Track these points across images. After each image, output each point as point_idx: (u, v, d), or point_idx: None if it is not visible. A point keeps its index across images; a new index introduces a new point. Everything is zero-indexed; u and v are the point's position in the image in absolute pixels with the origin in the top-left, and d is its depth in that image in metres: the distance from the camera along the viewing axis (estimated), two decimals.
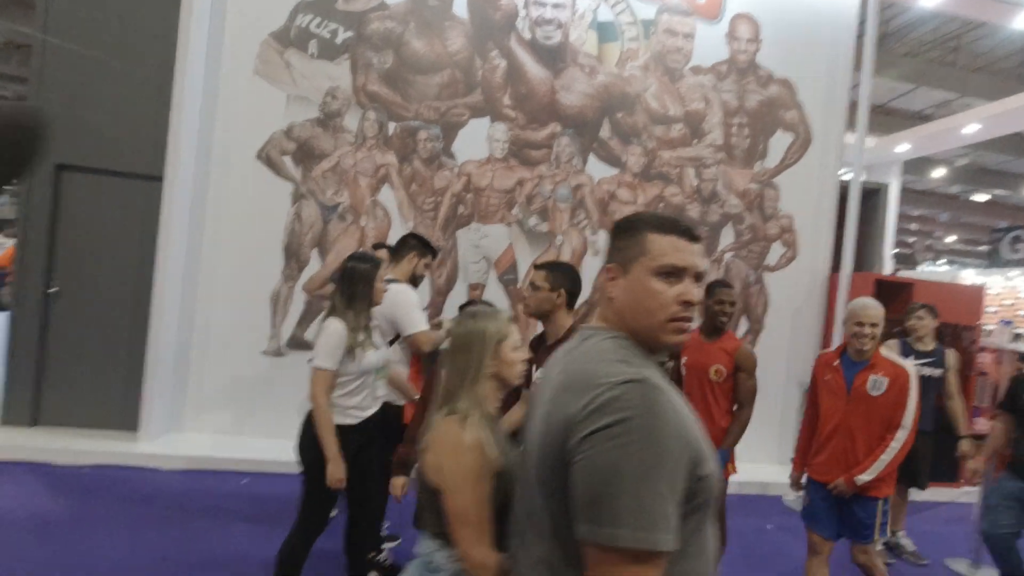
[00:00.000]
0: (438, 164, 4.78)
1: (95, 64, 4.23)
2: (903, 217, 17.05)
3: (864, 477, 2.46)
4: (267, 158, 4.52)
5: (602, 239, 4.98)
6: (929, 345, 3.63)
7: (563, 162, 4.93)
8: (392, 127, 4.70)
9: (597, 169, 4.98)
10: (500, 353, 1.41)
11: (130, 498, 3.43)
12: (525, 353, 1.45)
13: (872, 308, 2.54)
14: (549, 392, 0.97)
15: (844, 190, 5.35)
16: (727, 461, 2.88)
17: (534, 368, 2.15)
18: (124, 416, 4.23)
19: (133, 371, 4.22)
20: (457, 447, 1.28)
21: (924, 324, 3.62)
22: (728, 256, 5.17)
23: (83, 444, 4.04)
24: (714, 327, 2.96)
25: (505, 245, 4.87)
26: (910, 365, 2.55)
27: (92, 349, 4.32)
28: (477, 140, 4.82)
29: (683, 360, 2.99)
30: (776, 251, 5.25)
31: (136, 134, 4.29)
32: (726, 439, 2.88)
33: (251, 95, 4.49)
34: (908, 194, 15.02)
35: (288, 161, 4.56)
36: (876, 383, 2.49)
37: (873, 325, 2.51)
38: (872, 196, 6.07)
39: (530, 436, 1.03)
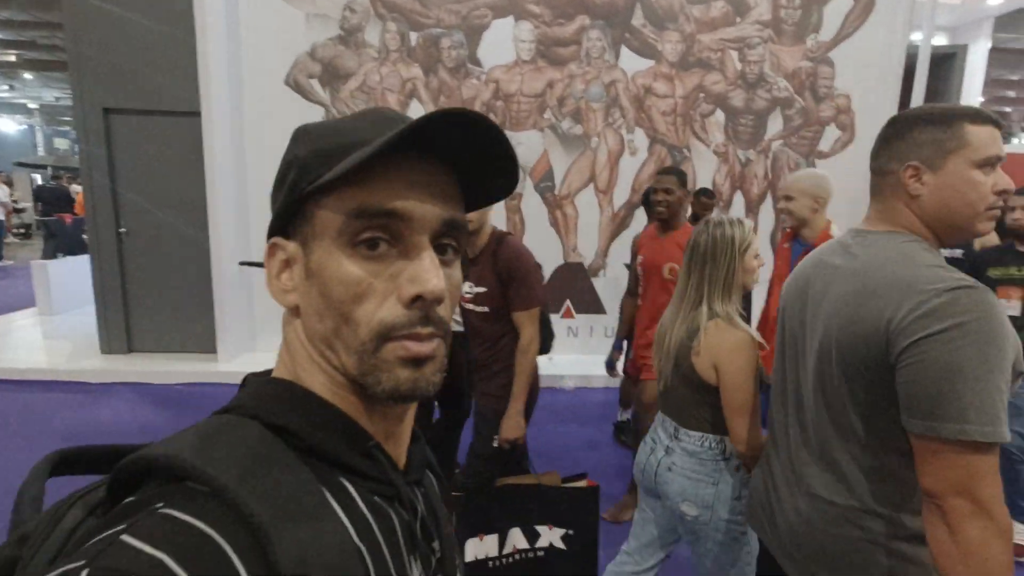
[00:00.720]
0: (465, 72, 4.64)
1: (121, 8, 4.28)
2: (996, 83, 15.15)
3: None
4: (295, 83, 4.54)
5: (639, 138, 4.79)
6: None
7: (594, 58, 4.67)
8: (414, 37, 4.56)
9: (631, 62, 4.69)
10: (744, 260, 1.46)
11: (215, 409, 3.87)
12: (762, 260, 1.52)
13: (799, 180, 2.26)
14: (840, 297, 1.01)
15: (913, 58, 4.82)
16: None
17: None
18: (204, 341, 4.67)
19: (205, 300, 4.59)
20: (736, 347, 1.39)
21: None
22: (776, 145, 4.87)
23: (172, 366, 4.54)
24: (666, 220, 2.61)
25: (540, 152, 4.78)
26: None
27: (167, 282, 4.72)
28: (502, 43, 4.61)
29: (639, 259, 2.72)
30: (831, 135, 4.89)
31: (171, 72, 4.38)
32: None
33: (271, 18, 4.43)
34: (1002, 55, 13.24)
35: (315, 84, 4.56)
36: None
37: (789, 198, 2.23)
38: (946, 62, 5.44)
39: (807, 337, 1.09)
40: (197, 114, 4.29)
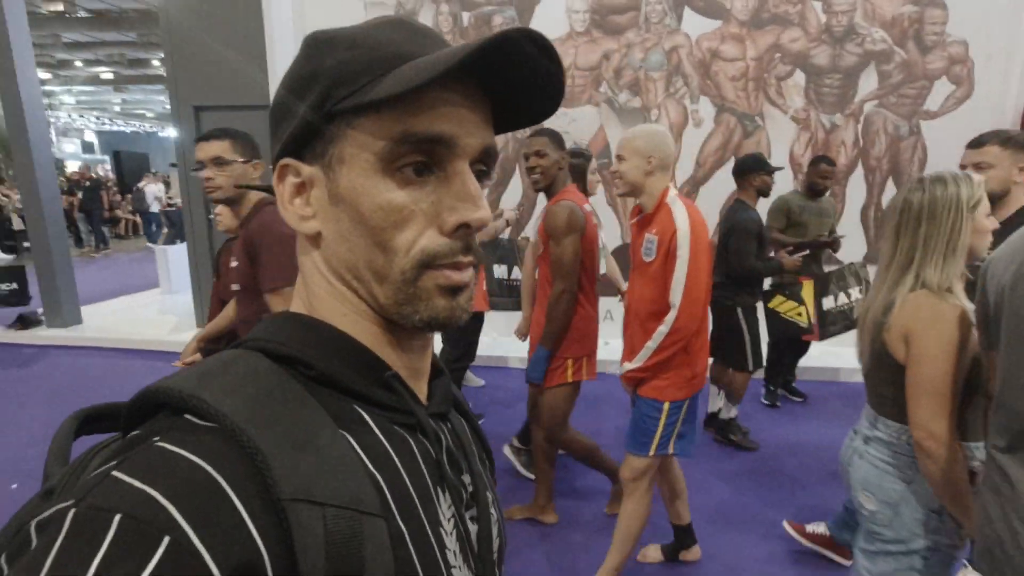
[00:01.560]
0: None
1: (201, 20, 4.72)
2: None
3: (629, 365, 1.87)
4: None
5: (705, 107, 4.40)
6: None
7: (653, 23, 4.35)
8: (467, 18, 4.55)
9: (695, 25, 4.32)
10: (974, 221, 1.22)
11: None
12: (995, 222, 1.29)
13: (634, 137, 1.80)
14: None
15: None
16: (545, 363, 2.18)
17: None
18: None
19: None
20: (937, 317, 1.18)
21: None
22: (869, 107, 4.24)
23: None
24: (543, 188, 2.22)
25: (596, 127, 4.57)
26: (681, 218, 1.75)
27: None
28: (555, 15, 4.45)
29: None
30: (940, 91, 4.16)
31: (248, 69, 4.76)
32: (543, 335, 2.17)
33: (333, 8, 4.64)
34: None
35: None
36: (648, 245, 1.81)
37: (620, 159, 1.80)
38: None
39: None
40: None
